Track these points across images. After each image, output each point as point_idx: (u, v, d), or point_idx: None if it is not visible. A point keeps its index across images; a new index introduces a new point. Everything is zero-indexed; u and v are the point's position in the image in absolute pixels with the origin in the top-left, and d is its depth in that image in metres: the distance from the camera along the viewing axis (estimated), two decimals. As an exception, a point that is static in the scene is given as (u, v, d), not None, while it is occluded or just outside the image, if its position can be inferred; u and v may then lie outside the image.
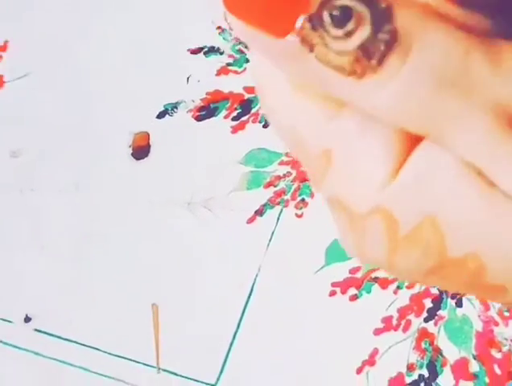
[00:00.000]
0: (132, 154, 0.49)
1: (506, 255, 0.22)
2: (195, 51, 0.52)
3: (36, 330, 0.45)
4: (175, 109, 0.50)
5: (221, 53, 0.52)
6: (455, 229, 0.22)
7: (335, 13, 0.21)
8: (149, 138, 0.50)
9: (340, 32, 0.21)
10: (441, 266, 0.22)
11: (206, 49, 0.52)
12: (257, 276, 0.44)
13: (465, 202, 0.22)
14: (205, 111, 0.50)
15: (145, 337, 0.44)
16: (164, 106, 0.51)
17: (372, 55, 0.21)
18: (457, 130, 0.21)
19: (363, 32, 0.21)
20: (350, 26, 0.21)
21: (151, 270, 0.46)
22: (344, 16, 0.21)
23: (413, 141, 0.23)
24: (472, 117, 0.21)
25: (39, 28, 0.55)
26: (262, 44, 0.23)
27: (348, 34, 0.21)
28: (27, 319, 0.45)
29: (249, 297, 0.44)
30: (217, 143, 0.49)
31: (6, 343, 0.45)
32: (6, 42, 0.55)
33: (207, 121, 0.50)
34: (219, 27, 0.52)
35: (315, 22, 0.21)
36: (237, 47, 0.51)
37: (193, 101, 0.50)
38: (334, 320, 0.43)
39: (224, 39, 0.52)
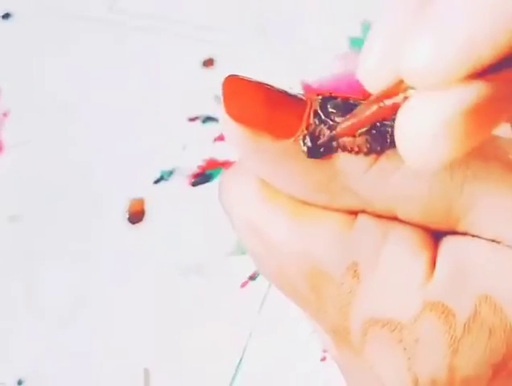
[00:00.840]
0: (128, 219, 0.50)
1: None
2: (192, 119, 0.54)
3: (27, 393, 0.45)
4: (171, 175, 0.51)
5: (218, 121, 0.53)
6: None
7: (338, 102, 0.22)
8: (144, 204, 0.51)
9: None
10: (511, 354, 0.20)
11: (204, 117, 0.53)
12: (248, 340, 0.45)
13: (510, 270, 0.20)
14: (201, 177, 0.51)
15: (136, 401, 0.44)
16: (161, 172, 0.52)
17: (381, 135, 0.21)
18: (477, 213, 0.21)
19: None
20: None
21: (143, 335, 0.46)
22: (347, 106, 0.22)
23: (435, 239, 0.22)
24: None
25: (41, 97, 0.56)
26: (261, 150, 0.22)
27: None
28: (20, 382, 0.45)
29: (240, 361, 0.44)
30: (212, 208, 0.50)
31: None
32: (8, 109, 0.56)
33: (202, 186, 0.51)
34: (216, 97, 0.54)
35: (322, 117, 0.22)
36: (232, 116, 0.53)
37: (189, 168, 0.51)
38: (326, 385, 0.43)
39: (220, 107, 0.53)
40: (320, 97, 0.22)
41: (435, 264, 0.21)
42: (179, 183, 0.51)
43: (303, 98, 0.22)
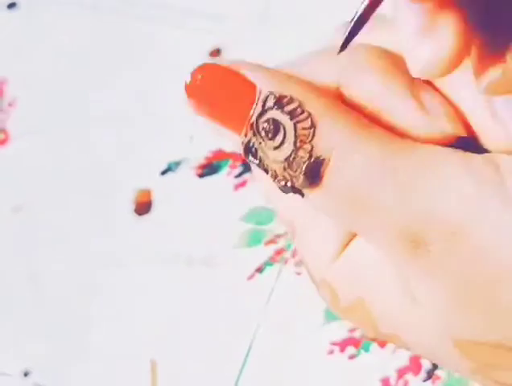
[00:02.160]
0: (135, 210, 0.50)
1: (416, 342, 0.25)
2: (199, 110, 0.53)
3: (34, 384, 0.45)
4: (178, 166, 0.51)
5: (225, 112, 0.52)
6: (380, 313, 0.25)
7: (266, 126, 0.24)
8: (151, 195, 0.50)
9: (271, 144, 0.23)
10: (377, 337, 0.26)
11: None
12: (255, 333, 0.44)
13: (386, 293, 0.24)
14: (208, 168, 0.51)
15: (143, 393, 0.44)
16: (168, 163, 0.51)
17: (295, 169, 0.23)
18: (371, 240, 0.24)
19: (287, 148, 0.23)
20: (278, 140, 0.23)
21: (150, 326, 0.46)
22: (273, 129, 0.24)
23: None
24: (378, 234, 0.23)
25: (46, 85, 0.56)
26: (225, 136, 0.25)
27: (277, 148, 0.23)
28: (26, 373, 0.45)
29: (247, 354, 0.44)
30: (219, 200, 0.49)
31: (3, 397, 0.45)
32: (14, 98, 0.56)
33: (209, 178, 0.50)
34: (223, 87, 0.54)
35: (254, 129, 0.24)
36: (239, 107, 0.52)
37: (196, 159, 0.51)
38: (332, 379, 0.43)
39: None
40: (260, 109, 0.24)
41: (341, 255, 0.26)
42: (186, 174, 0.51)
43: (256, 89, 0.24)
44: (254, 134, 0.24)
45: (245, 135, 0.24)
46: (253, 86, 0.24)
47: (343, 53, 0.24)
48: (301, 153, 0.23)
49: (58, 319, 0.47)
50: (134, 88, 0.55)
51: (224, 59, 0.26)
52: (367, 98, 0.24)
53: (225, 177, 0.50)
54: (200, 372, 0.44)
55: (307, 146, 0.23)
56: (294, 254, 0.46)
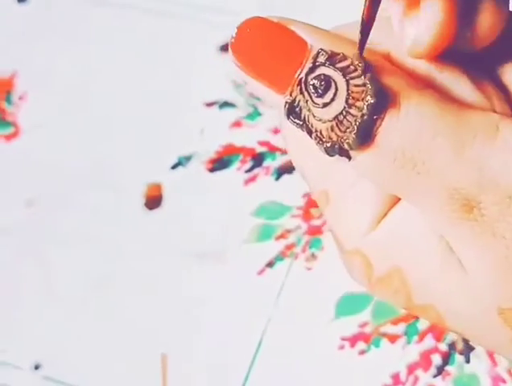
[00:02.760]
0: (145, 204, 0.50)
1: (455, 314, 0.24)
2: (209, 104, 0.53)
3: (45, 377, 0.45)
4: (188, 161, 0.51)
5: (235, 107, 0.52)
6: (417, 282, 0.24)
7: (316, 82, 0.23)
8: (161, 189, 0.50)
9: (319, 101, 0.23)
10: (409, 308, 0.25)
11: (221, 102, 0.53)
12: (266, 328, 0.45)
13: (428, 259, 0.24)
14: (218, 163, 0.51)
15: (153, 387, 0.44)
16: (178, 158, 0.51)
17: (346, 129, 0.22)
18: (420, 203, 0.23)
19: (338, 105, 0.23)
20: (328, 97, 0.23)
21: (161, 320, 0.46)
22: (324, 86, 0.23)
23: (394, 201, 0.25)
24: (428, 197, 0.23)
25: (57, 80, 0.56)
26: (263, 95, 0.24)
27: (326, 105, 0.22)
28: (37, 366, 0.45)
29: (258, 348, 0.44)
30: (229, 195, 0.49)
31: (15, 390, 0.45)
32: (25, 92, 0.56)
33: (219, 172, 0.50)
34: (233, 81, 0.54)
35: (302, 87, 0.23)
36: (250, 102, 0.52)
37: (207, 153, 0.51)
38: (343, 374, 0.43)
39: (238, 93, 0.53)
40: (310, 65, 0.23)
41: (379, 223, 0.26)
42: (197, 169, 0.51)
43: (306, 46, 0.24)
44: (301, 92, 0.23)
45: (291, 94, 0.23)
46: (303, 42, 0.23)
47: (395, 26, 0.24)
48: (353, 111, 0.22)
49: (69, 313, 0.47)
50: (145, 83, 0.55)
51: (273, 16, 0.25)
52: (423, 68, 0.24)
53: (236, 172, 0.50)
54: (210, 366, 0.44)
55: (360, 104, 0.22)
56: (304, 249, 0.46)
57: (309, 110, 0.23)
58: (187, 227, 0.49)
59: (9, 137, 0.54)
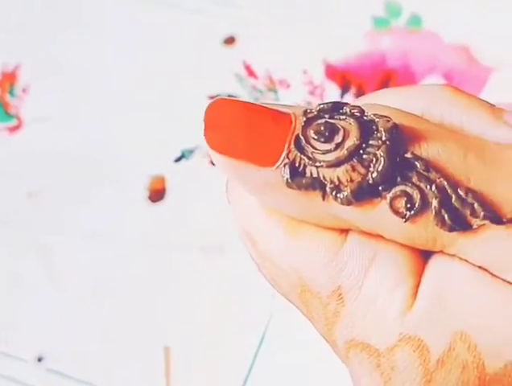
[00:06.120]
0: (149, 197, 0.50)
1: None
2: (213, 97, 0.53)
3: (48, 369, 0.45)
4: (191, 154, 0.51)
5: (239, 100, 0.52)
6: (488, 338, 0.21)
7: (319, 128, 0.21)
8: (165, 182, 0.50)
9: (328, 146, 0.21)
10: (482, 376, 0.21)
11: (224, 95, 0.53)
12: (269, 320, 0.45)
13: (490, 306, 0.21)
14: (221, 156, 0.51)
15: (156, 379, 0.44)
16: (182, 151, 0.51)
17: (368, 162, 0.20)
18: (463, 238, 0.20)
19: (351, 140, 0.21)
20: (338, 138, 0.21)
21: (164, 313, 0.46)
22: (329, 129, 0.21)
23: (422, 259, 0.22)
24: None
25: (61, 73, 0.56)
26: (248, 179, 0.21)
27: (338, 146, 0.21)
28: (40, 359, 0.45)
29: (261, 341, 0.44)
30: (233, 188, 0.49)
31: (19, 382, 0.45)
32: (27, 84, 0.56)
33: (223, 166, 0.50)
34: (236, 75, 0.53)
35: (302, 141, 0.21)
36: (253, 95, 0.52)
37: (210, 146, 0.51)
38: (346, 369, 0.43)
39: (241, 86, 0.53)
40: (303, 118, 0.21)
41: (417, 294, 0.21)
42: (200, 162, 0.51)
43: (289, 113, 0.21)
44: (301, 148, 0.21)
45: (287, 157, 0.21)
46: (284, 111, 0.21)
47: (424, 90, 0.23)
48: (373, 141, 0.20)
49: (72, 306, 0.47)
50: (148, 76, 0.55)
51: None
52: (456, 126, 0.22)
53: (239, 165, 0.50)
54: (212, 359, 0.44)
55: (379, 134, 0.20)
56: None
57: (316, 162, 0.21)
58: (190, 220, 0.49)
59: (12, 130, 0.54)
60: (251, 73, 0.54)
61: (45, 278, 0.48)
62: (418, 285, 0.21)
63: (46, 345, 0.46)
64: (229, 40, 0.55)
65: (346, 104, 0.21)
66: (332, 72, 0.53)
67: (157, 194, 0.50)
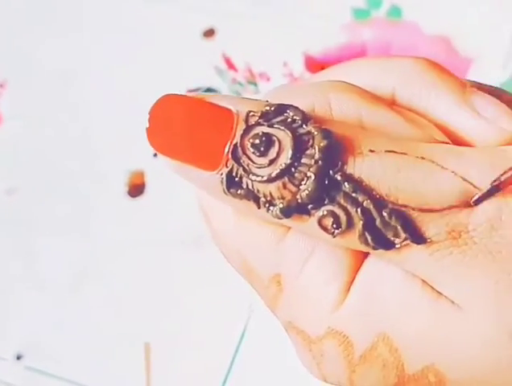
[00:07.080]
0: (128, 192, 0.50)
1: (462, 363, 0.21)
2: (192, 91, 0.53)
3: (27, 367, 0.45)
4: (171, 148, 0.51)
5: (218, 93, 0.52)
6: (409, 343, 0.21)
7: (255, 141, 0.21)
8: (144, 177, 0.50)
9: (263, 161, 0.21)
10: (401, 383, 0.22)
11: (204, 89, 0.53)
12: (250, 315, 0.44)
13: (414, 314, 0.21)
14: (201, 150, 0.50)
15: (137, 376, 0.44)
16: (161, 145, 0.51)
17: (299, 181, 0.20)
18: (388, 254, 0.21)
19: (285, 160, 0.21)
20: (272, 154, 0.21)
21: (144, 308, 0.45)
22: (265, 143, 0.21)
23: (360, 257, 0.22)
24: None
25: (38, 67, 0.56)
26: (191, 179, 0.22)
27: (272, 162, 0.21)
28: (19, 357, 0.45)
29: (241, 336, 0.44)
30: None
31: (-5, 381, 0.45)
32: (5, 80, 0.55)
33: (203, 159, 0.50)
34: (216, 67, 0.53)
35: (239, 152, 0.21)
36: (233, 88, 0.52)
37: (189, 140, 0.51)
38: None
39: (221, 79, 0.53)
40: (243, 126, 0.21)
41: (349, 292, 0.22)
42: (180, 156, 0.50)
43: (231, 117, 0.21)
44: (238, 158, 0.21)
45: (226, 165, 0.21)
46: (227, 111, 0.21)
47: (395, 65, 0.23)
48: (305, 160, 0.20)
49: (51, 302, 0.46)
50: (127, 69, 0.54)
51: (190, 92, 0.23)
52: (422, 108, 0.23)
53: (219, 158, 0.50)
54: (193, 354, 0.44)
55: (311, 151, 0.20)
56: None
57: (251, 175, 0.21)
58: (170, 215, 0.48)
59: (-11, 126, 0.54)
60: (231, 66, 0.53)
61: (24, 275, 0.47)
62: (351, 283, 0.22)
63: (25, 343, 0.45)
64: (209, 33, 0.55)
65: (290, 106, 0.21)
66: (312, 64, 0.53)
67: (136, 189, 0.50)
